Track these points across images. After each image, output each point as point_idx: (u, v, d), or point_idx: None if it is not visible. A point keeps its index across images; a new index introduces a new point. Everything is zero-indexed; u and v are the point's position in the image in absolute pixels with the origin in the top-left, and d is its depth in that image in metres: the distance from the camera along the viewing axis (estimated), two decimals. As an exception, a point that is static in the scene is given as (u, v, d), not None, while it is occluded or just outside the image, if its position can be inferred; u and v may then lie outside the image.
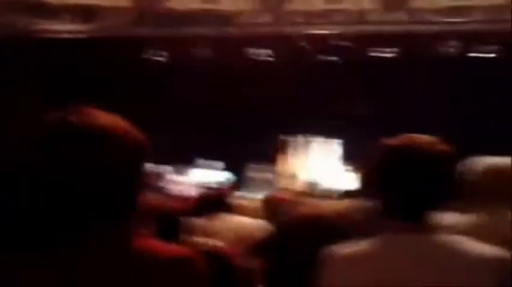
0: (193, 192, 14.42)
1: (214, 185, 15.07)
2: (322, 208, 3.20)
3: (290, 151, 17.14)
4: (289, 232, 3.13)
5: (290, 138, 17.14)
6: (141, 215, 1.92)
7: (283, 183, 16.50)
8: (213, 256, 2.28)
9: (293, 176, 16.76)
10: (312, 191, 12.90)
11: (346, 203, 4.70)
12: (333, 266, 2.43)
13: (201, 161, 16.97)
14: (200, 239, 3.58)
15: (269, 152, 16.82)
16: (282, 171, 16.97)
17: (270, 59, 15.85)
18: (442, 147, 2.47)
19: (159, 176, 16.18)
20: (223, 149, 16.51)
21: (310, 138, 17.10)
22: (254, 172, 16.84)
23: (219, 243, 3.25)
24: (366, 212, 2.60)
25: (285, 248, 2.98)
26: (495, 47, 15.19)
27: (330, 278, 2.42)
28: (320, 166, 16.88)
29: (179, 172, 16.79)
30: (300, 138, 17.14)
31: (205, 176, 16.55)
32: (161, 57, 15.99)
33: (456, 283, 2.31)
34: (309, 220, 3.09)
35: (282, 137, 17.05)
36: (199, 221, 5.34)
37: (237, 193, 14.21)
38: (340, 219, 3.11)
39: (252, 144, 16.18)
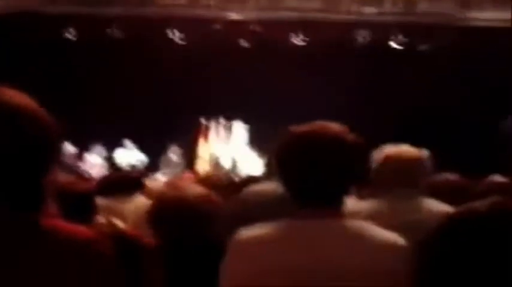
0: (106, 172, 14.38)
1: (129, 166, 15.06)
2: (186, 191, 3.26)
3: (210, 133, 17.18)
4: (156, 213, 3.22)
5: (210, 121, 17.16)
6: (50, 195, 1.91)
7: (200, 165, 16.60)
8: (119, 238, 2.29)
9: (210, 159, 16.84)
10: (221, 173, 12.97)
11: (265, 186, 4.73)
12: (234, 249, 2.45)
13: (120, 142, 16.83)
14: (106, 220, 3.57)
15: (190, 134, 16.84)
16: (200, 153, 17.01)
17: (186, 41, 15.78)
18: (349, 135, 2.49)
19: (74, 156, 16.07)
20: (143, 131, 16.43)
21: (227, 122, 17.17)
22: (174, 154, 16.82)
23: (125, 224, 3.25)
24: (280, 196, 2.62)
25: (158, 229, 3.04)
26: (404, 39, 15.50)
27: (230, 261, 2.44)
28: (237, 149, 17.00)
29: (97, 152, 16.63)
30: (219, 121, 17.20)
31: (123, 157, 16.50)
32: (75, 36, 15.68)
33: (358, 267, 2.34)
34: (171, 202, 3.16)
35: (202, 119, 17.07)
36: (107, 202, 5.31)
37: (156, 175, 14.22)
38: (202, 202, 3.19)
39: (173, 126, 16.17)
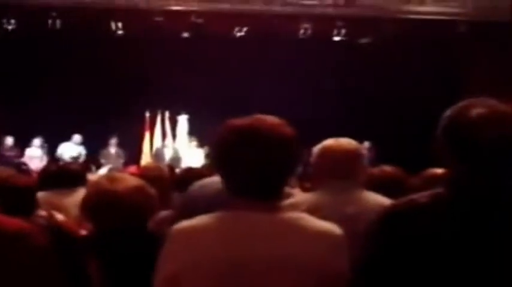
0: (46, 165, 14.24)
1: (70, 159, 14.92)
2: (118, 183, 3.27)
3: (154, 126, 17.17)
4: (89, 204, 3.22)
5: (155, 114, 17.14)
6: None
7: (144, 158, 16.57)
8: (56, 230, 2.29)
9: (153, 151, 16.84)
10: (161, 165, 12.93)
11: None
12: (169, 239, 2.44)
13: (63, 136, 16.67)
14: (47, 213, 3.55)
15: (134, 127, 16.78)
16: (145, 147, 17.01)
17: (127, 33, 15.65)
18: (286, 128, 2.47)
19: (15, 150, 15.91)
20: (86, 124, 16.29)
21: (171, 115, 17.17)
22: (115, 147, 16.76)
23: (66, 218, 3.24)
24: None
25: (92, 219, 3.04)
26: (346, 31, 15.60)
27: (165, 251, 2.44)
28: (179, 141, 17.00)
29: (37, 145, 16.44)
30: (164, 115, 17.20)
31: (65, 150, 16.37)
32: (15, 27, 15.37)
33: (293, 257, 2.36)
34: (105, 193, 3.17)
35: (147, 112, 17.04)
36: (48, 195, 5.28)
37: (102, 169, 14.11)
38: (134, 193, 3.20)
39: (116, 119, 16.08)
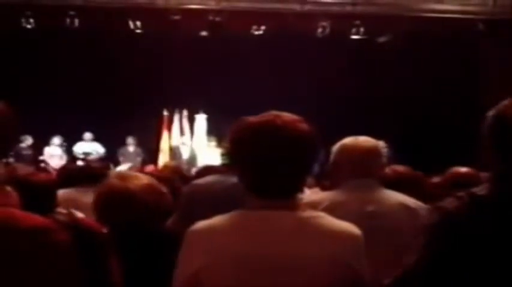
0: (66, 163, 14.35)
1: (89, 157, 15.02)
2: (130, 181, 3.25)
3: (172, 124, 17.18)
4: (102, 203, 3.21)
5: (172, 113, 17.16)
6: (7, 184, 1.91)
7: (162, 157, 16.60)
8: (75, 227, 2.29)
9: (170, 150, 16.85)
10: (179, 164, 12.97)
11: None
12: (189, 239, 2.45)
13: (81, 134, 16.76)
14: (65, 211, 3.56)
15: (151, 126, 16.81)
16: (162, 145, 17.03)
17: (146, 32, 15.65)
18: (303, 125, 2.46)
19: (34, 148, 15.99)
20: (104, 122, 16.35)
21: (190, 114, 17.18)
22: (133, 146, 16.81)
23: (82, 215, 3.23)
24: (238, 187, 2.58)
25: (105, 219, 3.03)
26: (363, 29, 15.54)
27: (185, 251, 2.44)
28: (197, 140, 17.01)
29: (56, 144, 16.53)
30: (182, 113, 17.20)
31: (82, 148, 16.46)
32: (33, 26, 15.37)
33: (312, 256, 2.36)
34: (116, 192, 3.16)
35: (165, 111, 17.06)
36: (68, 193, 5.31)
37: (120, 167, 14.18)
38: (145, 192, 3.19)
39: (134, 117, 16.12)
